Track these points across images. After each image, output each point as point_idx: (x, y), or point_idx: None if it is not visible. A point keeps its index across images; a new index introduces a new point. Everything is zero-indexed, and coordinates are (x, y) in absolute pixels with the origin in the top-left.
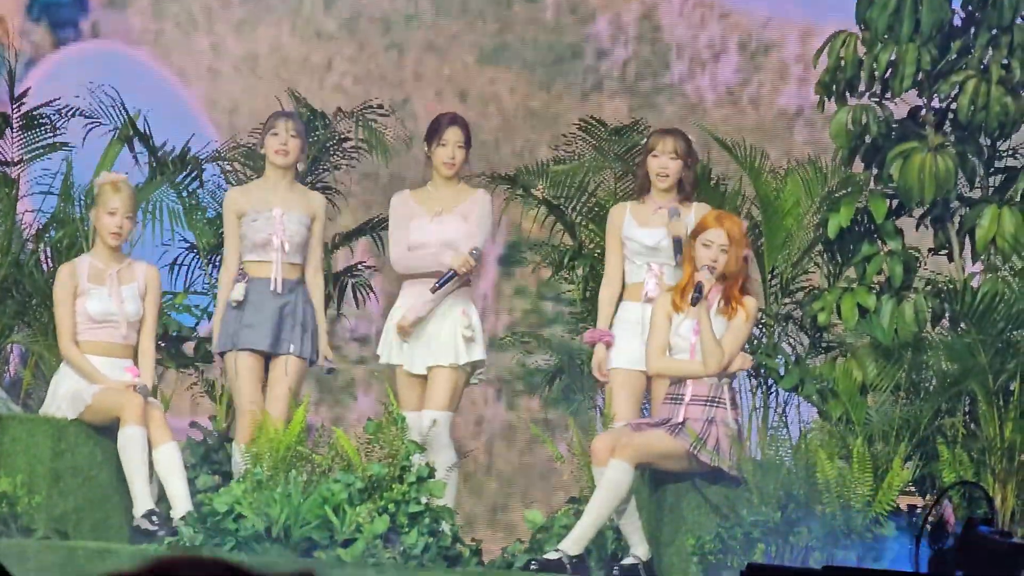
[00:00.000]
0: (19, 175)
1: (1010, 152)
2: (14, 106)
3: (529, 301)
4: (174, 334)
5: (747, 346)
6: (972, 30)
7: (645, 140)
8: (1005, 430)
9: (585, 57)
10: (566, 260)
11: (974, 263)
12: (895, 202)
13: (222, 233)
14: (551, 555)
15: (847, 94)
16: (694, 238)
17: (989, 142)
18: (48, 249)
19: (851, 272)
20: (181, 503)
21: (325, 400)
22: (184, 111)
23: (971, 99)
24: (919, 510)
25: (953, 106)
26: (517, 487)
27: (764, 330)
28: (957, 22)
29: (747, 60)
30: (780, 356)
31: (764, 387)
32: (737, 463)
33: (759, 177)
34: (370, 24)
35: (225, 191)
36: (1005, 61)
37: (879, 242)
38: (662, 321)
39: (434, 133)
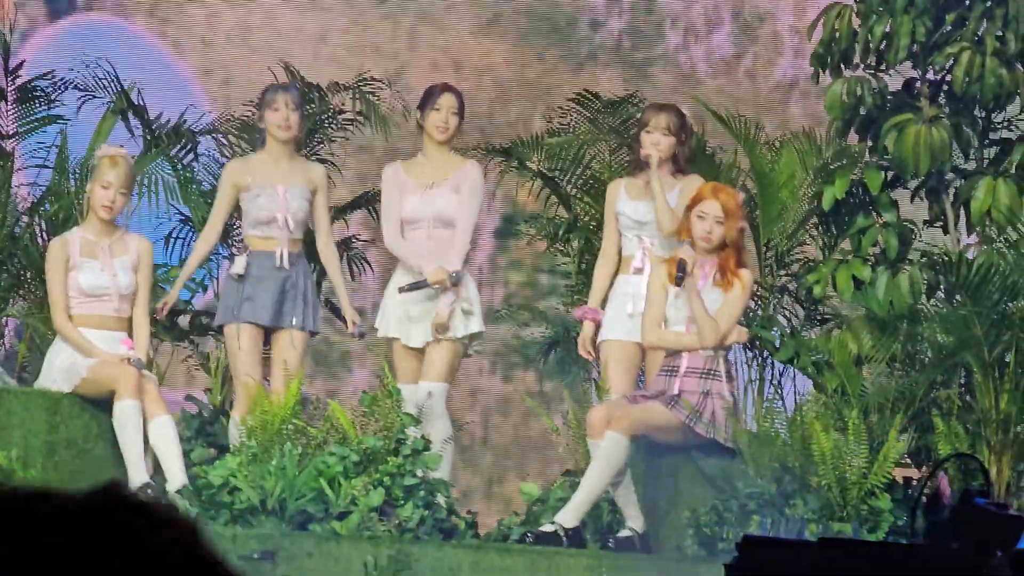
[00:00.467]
0: (14, 148)
1: (1005, 124)
2: (9, 79)
3: (524, 274)
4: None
5: (743, 319)
6: (967, 1)
7: (640, 114)
8: (1000, 402)
9: (580, 28)
10: (561, 233)
11: (969, 235)
12: (890, 174)
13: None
14: (547, 527)
15: (842, 66)
16: (689, 210)
17: (984, 114)
18: (43, 222)
19: (846, 244)
20: (176, 476)
21: (320, 373)
22: (178, 82)
23: (966, 71)
24: (915, 482)
25: (948, 78)
26: (513, 460)
27: (759, 302)
28: None
29: (742, 31)
30: (776, 328)
31: (760, 359)
32: (733, 435)
33: (754, 149)
34: None
35: (221, 164)
36: (1000, 33)
37: (874, 214)
38: (658, 293)
39: (428, 99)
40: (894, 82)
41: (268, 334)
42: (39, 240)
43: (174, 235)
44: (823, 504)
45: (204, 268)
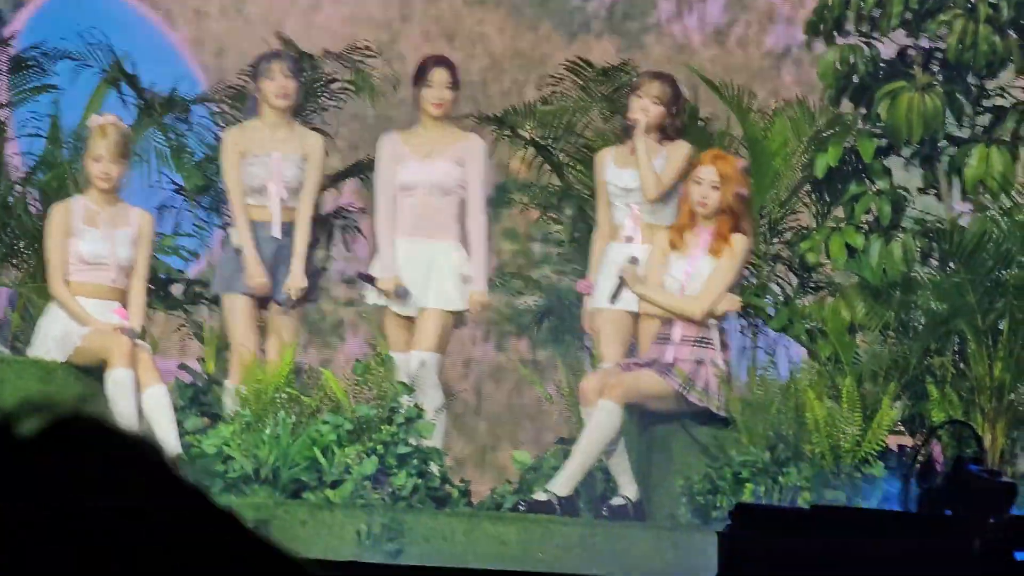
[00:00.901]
0: (7, 117)
1: (998, 91)
2: (1, 48)
3: (517, 242)
4: (162, 276)
5: (738, 287)
6: None
7: (633, 79)
8: (994, 369)
9: None
10: (554, 201)
11: (963, 202)
12: (883, 142)
13: (209, 175)
14: (540, 496)
15: (835, 34)
16: (689, 175)
17: (977, 81)
18: (37, 192)
19: (839, 212)
20: (170, 445)
21: (313, 342)
22: (171, 53)
23: (959, 38)
24: (908, 450)
25: (941, 45)
26: (506, 428)
27: (753, 270)
28: None
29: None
30: (769, 296)
31: (753, 327)
32: (726, 404)
33: (747, 117)
34: None
35: (214, 134)
36: (993, 0)
37: (867, 182)
38: (658, 259)
39: (420, 75)
40: (887, 49)
41: (265, 303)
42: (33, 209)
43: (167, 204)
44: (816, 472)
45: (197, 237)
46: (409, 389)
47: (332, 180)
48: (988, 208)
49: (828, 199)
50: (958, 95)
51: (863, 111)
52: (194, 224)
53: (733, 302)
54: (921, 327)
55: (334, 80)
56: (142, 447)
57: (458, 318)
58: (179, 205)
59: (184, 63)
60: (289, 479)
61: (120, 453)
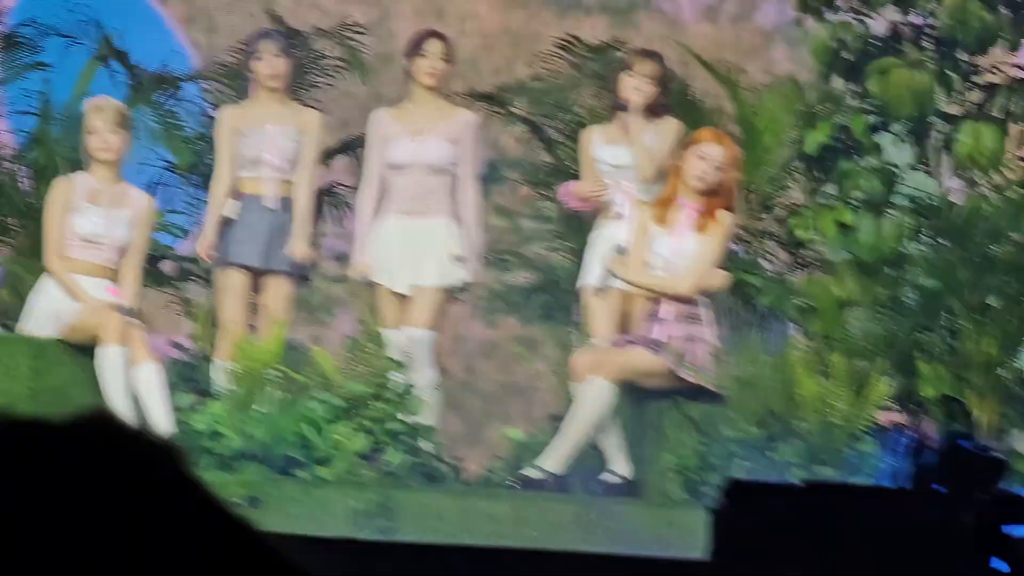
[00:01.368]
0: None
1: (989, 67)
2: None
3: (508, 219)
4: (153, 253)
5: (729, 264)
6: None
7: (624, 56)
8: (984, 345)
9: None
10: (545, 177)
11: (953, 178)
12: (874, 118)
13: (199, 151)
14: (533, 473)
15: (826, 10)
16: (686, 148)
17: (968, 57)
18: (27, 170)
19: (830, 188)
20: (161, 423)
21: (304, 318)
22: (161, 29)
23: (950, 14)
24: (899, 426)
25: (932, 21)
26: (497, 405)
27: (743, 246)
28: None
29: None
30: (759, 273)
31: (744, 304)
32: (717, 380)
33: (737, 94)
34: None
35: (205, 111)
36: None
37: (858, 158)
38: (640, 235)
39: (414, 46)
40: (878, 26)
41: (259, 280)
42: (22, 187)
43: (158, 181)
44: (807, 448)
45: (187, 214)
46: (400, 365)
47: (323, 157)
48: (978, 184)
49: (819, 175)
50: (949, 71)
51: (854, 87)
52: (184, 201)
53: (724, 279)
54: (912, 303)
55: (324, 57)
56: (164, 450)
57: (451, 295)
58: (170, 182)
59: (175, 39)
60: (280, 456)
61: (140, 454)
